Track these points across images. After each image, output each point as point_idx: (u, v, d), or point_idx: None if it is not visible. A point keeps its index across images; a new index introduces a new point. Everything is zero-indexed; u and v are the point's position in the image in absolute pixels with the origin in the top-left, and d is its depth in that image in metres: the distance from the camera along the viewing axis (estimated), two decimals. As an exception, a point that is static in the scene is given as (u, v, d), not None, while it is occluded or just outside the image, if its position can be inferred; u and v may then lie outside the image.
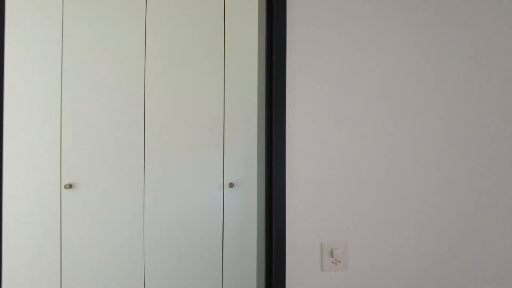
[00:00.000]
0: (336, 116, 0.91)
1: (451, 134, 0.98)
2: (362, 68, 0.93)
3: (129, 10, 0.80)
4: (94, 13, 0.78)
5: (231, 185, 0.83)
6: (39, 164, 0.75)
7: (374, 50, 0.94)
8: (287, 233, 0.90)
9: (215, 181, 0.83)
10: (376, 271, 0.94)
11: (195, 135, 0.82)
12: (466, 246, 1.00)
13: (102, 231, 0.78)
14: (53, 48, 0.76)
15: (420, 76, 0.97)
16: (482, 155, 1.01)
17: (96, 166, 0.78)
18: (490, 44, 1.02)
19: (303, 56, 0.90)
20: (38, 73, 0.75)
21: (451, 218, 0.99)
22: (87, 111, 0.78)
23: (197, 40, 0.83)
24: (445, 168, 0.98)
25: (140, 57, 0.80)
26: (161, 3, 0.81)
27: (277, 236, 0.86)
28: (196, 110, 0.82)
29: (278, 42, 0.85)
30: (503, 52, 1.03)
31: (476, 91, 1.01)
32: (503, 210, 1.01)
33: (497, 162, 1.01)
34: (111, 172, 0.78)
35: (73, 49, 0.77)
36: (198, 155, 0.82)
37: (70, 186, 0.76)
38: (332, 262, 0.91)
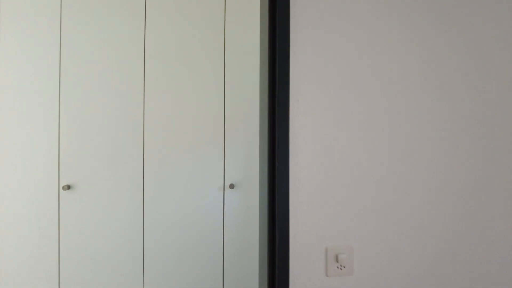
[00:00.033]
0: (341, 117, 0.89)
1: (454, 133, 0.96)
2: (367, 68, 0.91)
3: (129, 9, 0.80)
4: (92, 12, 0.78)
5: (231, 186, 0.82)
6: (37, 165, 0.74)
7: (380, 50, 0.92)
8: (291, 237, 0.87)
9: (216, 182, 0.81)
10: (382, 277, 0.91)
11: (195, 136, 0.81)
12: (476, 250, 0.96)
13: (101, 232, 0.76)
14: (52, 48, 0.76)
15: (421, 76, 0.95)
16: (487, 154, 0.98)
17: (94, 167, 0.77)
18: (491, 44, 1.01)
19: (306, 56, 0.89)
20: (36, 73, 0.75)
21: (460, 223, 0.95)
22: (86, 111, 0.77)
23: (197, 40, 0.82)
24: (454, 170, 0.95)
25: (139, 57, 0.79)
26: (161, 2, 0.81)
27: (280, 240, 0.83)
28: (196, 110, 0.81)
29: (281, 41, 0.84)
30: (504, 51, 1.02)
31: (477, 91, 0.99)
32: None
33: (502, 161, 0.99)
34: (110, 173, 0.77)
35: (71, 49, 0.77)
36: (198, 155, 0.81)
37: (68, 187, 0.75)
38: (337, 267, 0.88)
